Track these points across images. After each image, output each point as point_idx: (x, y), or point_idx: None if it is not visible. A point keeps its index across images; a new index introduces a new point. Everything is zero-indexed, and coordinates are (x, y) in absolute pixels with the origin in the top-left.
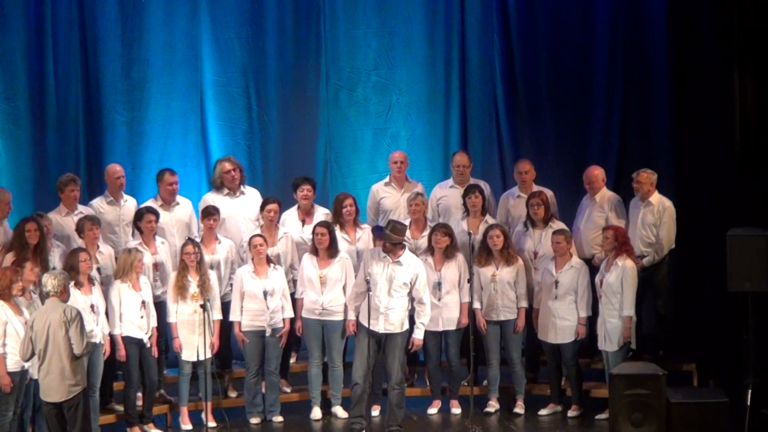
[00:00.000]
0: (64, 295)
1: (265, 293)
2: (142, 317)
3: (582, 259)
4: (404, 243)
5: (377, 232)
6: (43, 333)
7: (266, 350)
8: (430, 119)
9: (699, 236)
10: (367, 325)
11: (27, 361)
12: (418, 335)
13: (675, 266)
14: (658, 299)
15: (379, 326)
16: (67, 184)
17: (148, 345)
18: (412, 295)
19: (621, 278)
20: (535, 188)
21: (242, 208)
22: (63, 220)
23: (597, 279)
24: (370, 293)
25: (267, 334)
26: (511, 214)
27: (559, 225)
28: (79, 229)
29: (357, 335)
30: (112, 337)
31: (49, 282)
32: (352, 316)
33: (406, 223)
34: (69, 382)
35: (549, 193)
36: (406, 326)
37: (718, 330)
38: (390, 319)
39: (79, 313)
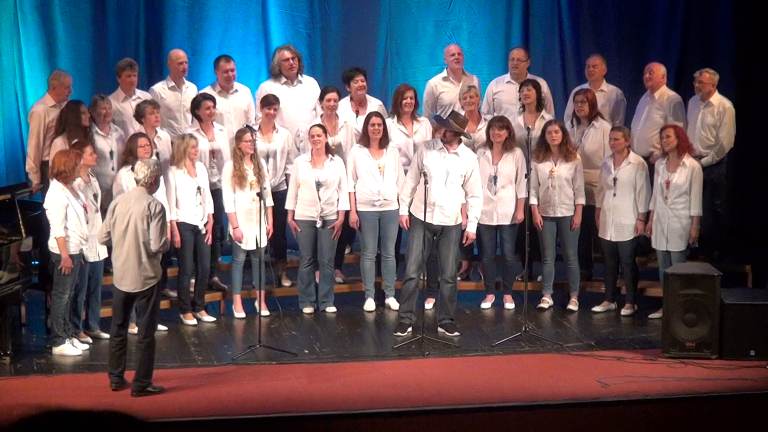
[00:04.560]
0: (153, 187)
1: (318, 184)
2: (199, 204)
3: (641, 157)
4: (465, 135)
5: (440, 121)
6: (123, 220)
7: (319, 241)
8: (492, 12)
9: (757, 137)
10: (422, 218)
11: (103, 243)
12: (471, 229)
13: (733, 167)
14: (716, 199)
15: (435, 219)
16: (124, 69)
17: (204, 231)
18: (465, 188)
19: (690, 178)
20: (605, 86)
21: (300, 97)
22: (121, 105)
23: (661, 179)
24: (427, 186)
25: (318, 225)
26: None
27: (603, 123)
28: (140, 113)
29: (411, 229)
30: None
31: (141, 170)
32: (404, 211)
33: None
34: (145, 274)
35: (607, 89)
36: (461, 219)
37: None
38: (446, 212)
39: (163, 209)
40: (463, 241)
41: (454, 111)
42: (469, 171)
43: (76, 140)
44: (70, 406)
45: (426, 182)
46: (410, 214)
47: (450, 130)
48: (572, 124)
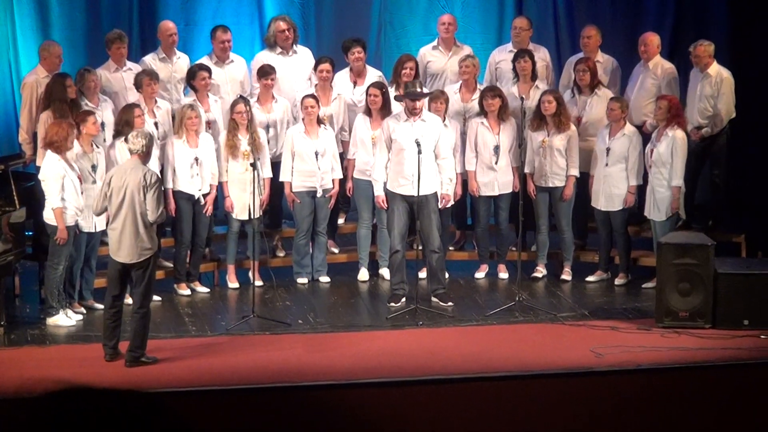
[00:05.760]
0: (147, 157)
1: (316, 154)
2: (196, 174)
3: (634, 127)
4: (414, 95)
5: (398, 98)
6: (119, 192)
7: (316, 211)
8: None
9: (754, 108)
10: (400, 192)
11: (99, 215)
12: (447, 190)
13: (730, 137)
14: (715, 168)
15: (412, 189)
16: (113, 41)
17: (202, 202)
18: (435, 152)
19: (671, 148)
20: (601, 56)
21: (294, 68)
22: (111, 76)
23: (647, 148)
24: (420, 156)
25: (318, 195)
26: (572, 78)
27: (605, 92)
28: (138, 84)
29: (390, 204)
30: (164, 191)
31: (137, 141)
32: (380, 191)
33: (457, 86)
34: (142, 246)
35: (603, 59)
36: (437, 187)
37: None
38: (422, 181)
39: (159, 179)
40: (441, 205)
41: (406, 83)
42: (437, 134)
43: (82, 110)
44: (96, 383)
45: (420, 152)
46: (386, 190)
47: (404, 98)
48: (572, 93)
